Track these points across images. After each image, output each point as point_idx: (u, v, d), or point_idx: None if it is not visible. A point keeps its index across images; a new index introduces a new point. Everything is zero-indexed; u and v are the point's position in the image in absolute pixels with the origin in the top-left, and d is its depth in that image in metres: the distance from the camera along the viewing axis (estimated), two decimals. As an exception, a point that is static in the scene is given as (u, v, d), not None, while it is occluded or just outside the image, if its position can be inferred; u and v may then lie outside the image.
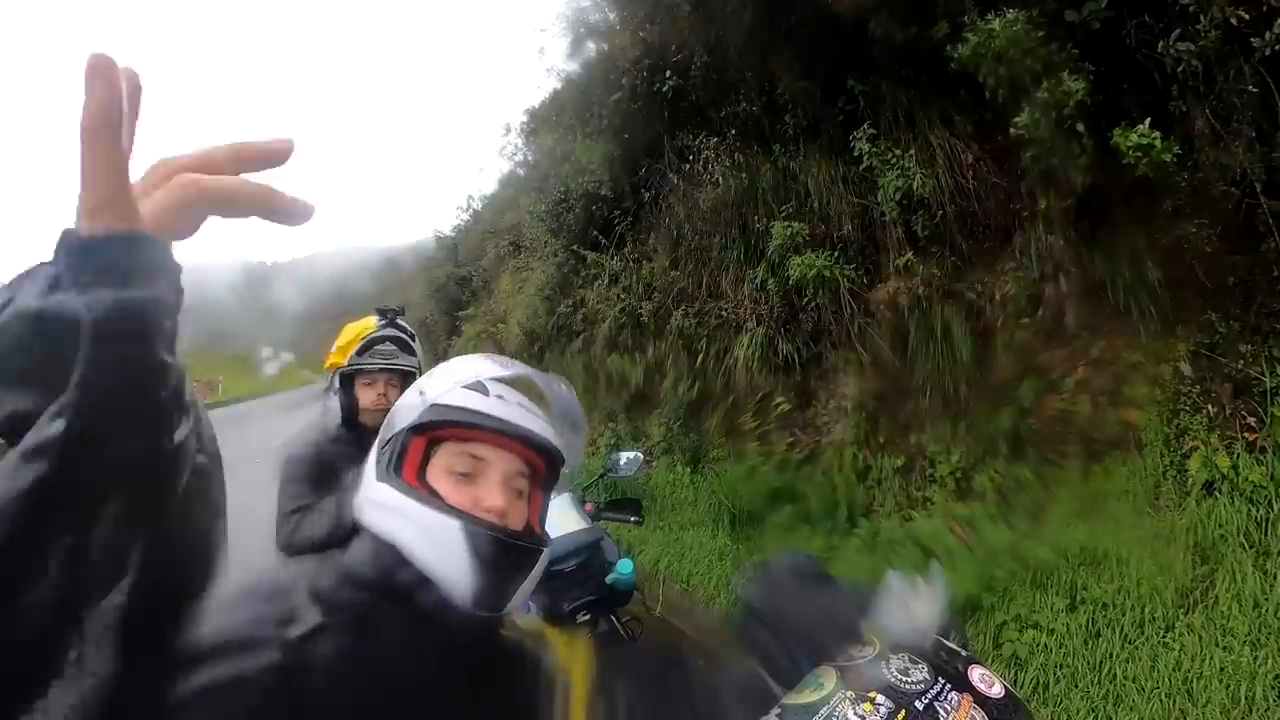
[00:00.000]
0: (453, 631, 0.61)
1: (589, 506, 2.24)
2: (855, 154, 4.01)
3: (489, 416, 0.65)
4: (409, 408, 0.68)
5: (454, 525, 0.60)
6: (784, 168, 4.68)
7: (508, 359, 0.73)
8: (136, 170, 0.40)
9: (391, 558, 0.61)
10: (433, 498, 0.63)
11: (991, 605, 2.64)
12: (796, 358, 4.53)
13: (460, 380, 0.67)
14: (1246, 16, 2.36)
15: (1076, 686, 2.27)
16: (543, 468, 0.71)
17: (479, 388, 0.67)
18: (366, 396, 1.73)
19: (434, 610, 0.60)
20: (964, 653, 0.57)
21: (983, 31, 2.88)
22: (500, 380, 0.69)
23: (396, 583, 0.60)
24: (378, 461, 0.67)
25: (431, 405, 0.66)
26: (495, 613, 0.62)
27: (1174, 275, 2.87)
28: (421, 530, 0.61)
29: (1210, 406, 2.67)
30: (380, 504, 0.64)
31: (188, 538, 0.41)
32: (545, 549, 0.67)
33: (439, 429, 0.66)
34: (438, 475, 0.65)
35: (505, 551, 0.62)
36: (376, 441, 0.69)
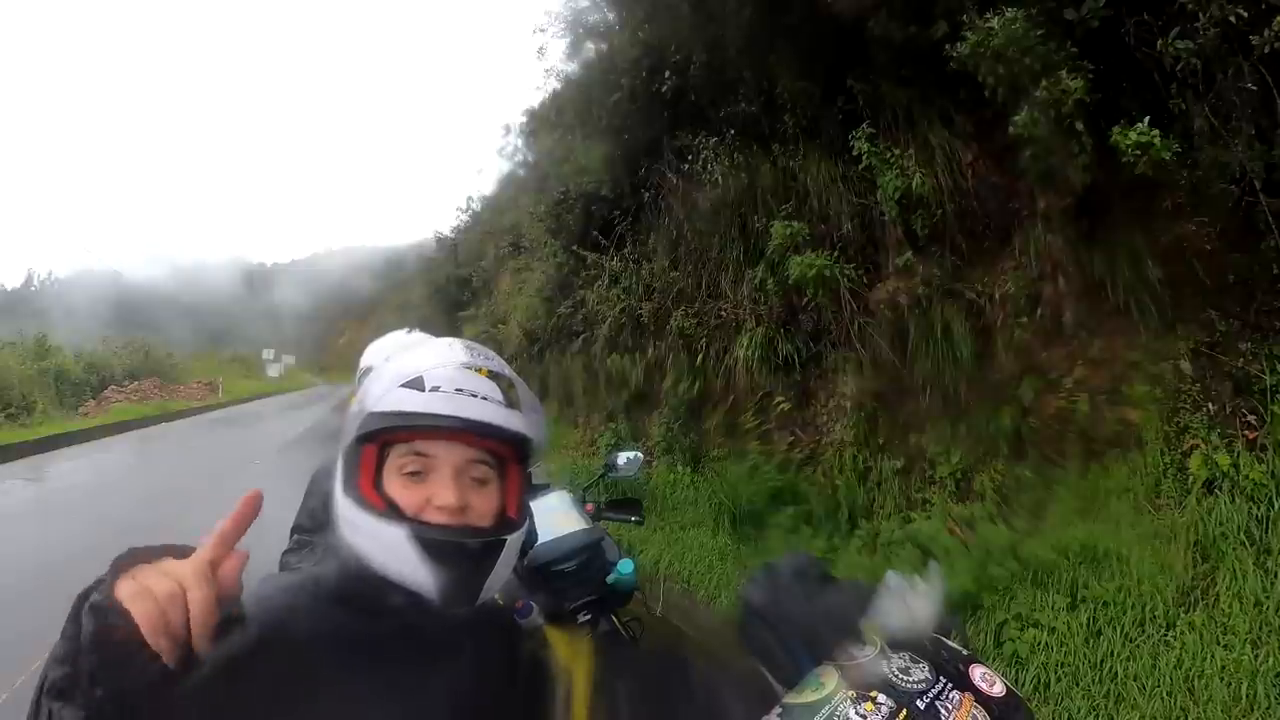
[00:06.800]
0: (438, 631, 0.62)
1: (589, 506, 2.23)
2: (855, 153, 4.01)
3: (424, 415, 0.63)
4: (352, 418, 0.67)
5: (400, 534, 0.61)
6: (783, 167, 4.69)
7: (458, 342, 0.70)
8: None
9: (356, 567, 0.63)
10: (384, 507, 0.63)
11: (992, 604, 2.64)
12: (796, 357, 4.53)
13: (397, 378, 0.65)
14: (1245, 14, 2.36)
15: (1077, 685, 2.26)
16: (507, 451, 0.68)
17: (415, 384, 0.64)
18: None
19: (408, 610, 0.61)
20: (965, 651, 0.57)
21: (981, 30, 2.87)
22: (444, 368, 0.65)
23: (364, 590, 0.62)
24: (342, 474, 0.67)
25: (368, 414, 0.65)
26: (469, 606, 0.63)
27: (1173, 273, 2.87)
28: (375, 541, 0.62)
29: (1210, 404, 2.67)
30: (345, 519, 0.65)
31: None
32: (513, 534, 0.67)
33: (382, 435, 0.65)
34: (392, 478, 0.65)
35: (459, 551, 0.62)
36: (340, 450, 0.69)
